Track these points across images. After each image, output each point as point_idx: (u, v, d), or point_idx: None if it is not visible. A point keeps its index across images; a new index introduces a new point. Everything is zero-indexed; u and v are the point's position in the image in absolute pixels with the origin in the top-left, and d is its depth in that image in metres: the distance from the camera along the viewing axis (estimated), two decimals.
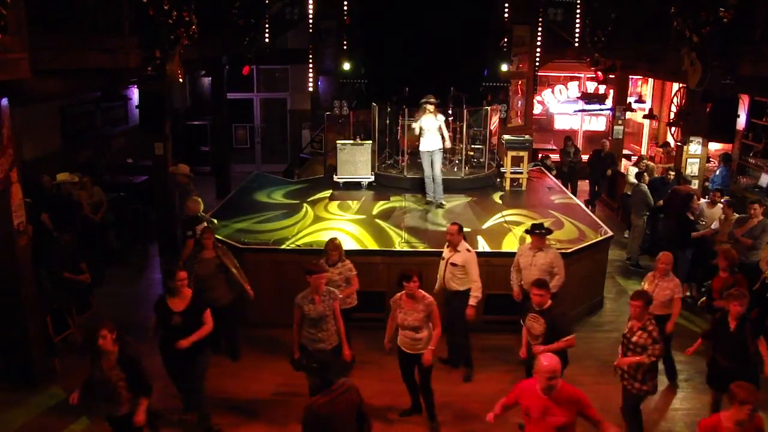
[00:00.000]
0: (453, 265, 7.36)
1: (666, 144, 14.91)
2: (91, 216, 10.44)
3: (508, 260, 8.59)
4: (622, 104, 15.40)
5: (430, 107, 10.46)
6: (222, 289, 7.44)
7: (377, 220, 9.88)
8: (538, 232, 7.55)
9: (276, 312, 8.23)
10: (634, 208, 11.32)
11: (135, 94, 14.03)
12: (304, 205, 10.80)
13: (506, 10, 14.24)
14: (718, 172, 12.26)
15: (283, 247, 8.87)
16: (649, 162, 13.22)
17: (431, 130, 10.48)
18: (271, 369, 7.77)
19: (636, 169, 12.60)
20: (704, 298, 8.96)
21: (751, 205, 9.07)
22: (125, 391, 5.30)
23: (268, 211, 10.49)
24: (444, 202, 10.72)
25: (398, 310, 6.31)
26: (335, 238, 7.61)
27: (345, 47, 13.83)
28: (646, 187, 11.13)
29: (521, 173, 12.23)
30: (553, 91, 17.93)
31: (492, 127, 12.88)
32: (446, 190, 11.48)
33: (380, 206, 10.71)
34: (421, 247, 8.91)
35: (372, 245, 8.94)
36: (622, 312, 9.47)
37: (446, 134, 10.60)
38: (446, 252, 7.51)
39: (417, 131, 10.57)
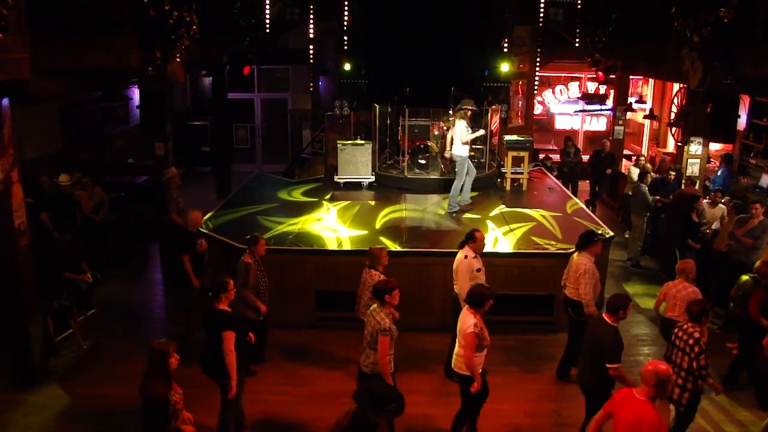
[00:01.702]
0: (479, 270, 7.31)
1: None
2: (92, 216, 10.45)
3: (510, 260, 8.62)
4: (622, 104, 15.39)
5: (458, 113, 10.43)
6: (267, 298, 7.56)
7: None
8: (597, 239, 7.54)
9: (276, 312, 8.22)
10: (635, 209, 11.31)
11: (136, 94, 14.03)
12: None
13: (507, 10, 14.24)
14: (719, 173, 12.24)
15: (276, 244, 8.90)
16: (647, 163, 13.19)
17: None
18: (274, 369, 7.76)
19: (638, 170, 12.59)
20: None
21: (752, 204, 9.08)
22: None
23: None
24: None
25: (484, 332, 5.91)
26: (375, 247, 7.51)
27: (345, 47, 13.83)
28: (646, 187, 11.12)
29: (522, 174, 12.24)
30: (553, 92, 17.94)
31: (492, 128, 12.88)
32: (446, 190, 11.54)
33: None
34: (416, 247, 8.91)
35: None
36: None
37: (454, 141, 10.44)
38: (478, 261, 7.31)
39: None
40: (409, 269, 8.62)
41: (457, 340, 6.04)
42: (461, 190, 10.54)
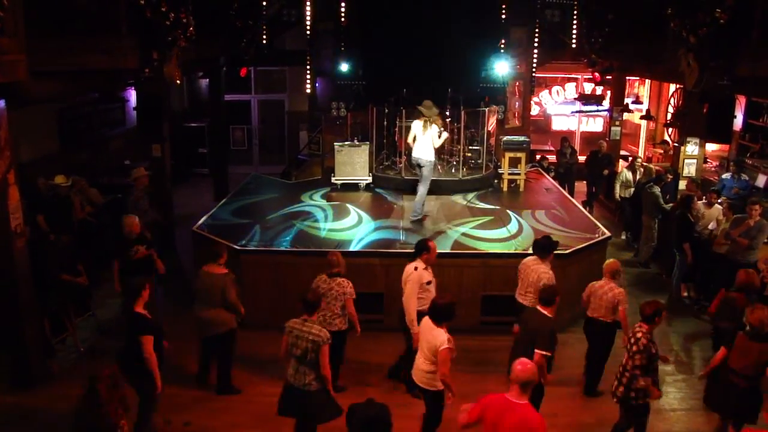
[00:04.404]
0: (429, 283, 7.04)
1: (664, 142, 14.91)
2: (89, 218, 10.42)
3: (508, 261, 8.62)
4: (619, 105, 15.42)
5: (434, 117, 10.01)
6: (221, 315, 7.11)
7: None
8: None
9: (273, 313, 8.22)
10: (646, 210, 11.26)
11: (133, 95, 14.03)
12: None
13: (503, 11, 14.25)
14: (741, 178, 11.77)
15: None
16: (647, 164, 13.21)
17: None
18: (270, 371, 7.75)
19: (630, 172, 12.62)
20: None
21: (751, 206, 9.02)
22: None
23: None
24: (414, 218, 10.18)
25: (453, 344, 5.78)
26: (336, 253, 7.31)
27: (343, 48, 13.83)
28: (659, 189, 11.09)
29: (519, 174, 12.25)
30: (550, 93, 17.96)
31: (490, 129, 12.89)
32: (444, 191, 11.53)
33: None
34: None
35: None
36: None
37: (425, 144, 9.96)
38: (428, 274, 7.04)
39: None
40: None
41: (423, 356, 5.88)
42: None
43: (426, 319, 5.89)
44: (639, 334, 5.88)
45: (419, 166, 9.98)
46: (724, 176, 11.90)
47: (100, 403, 4.45)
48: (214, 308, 7.03)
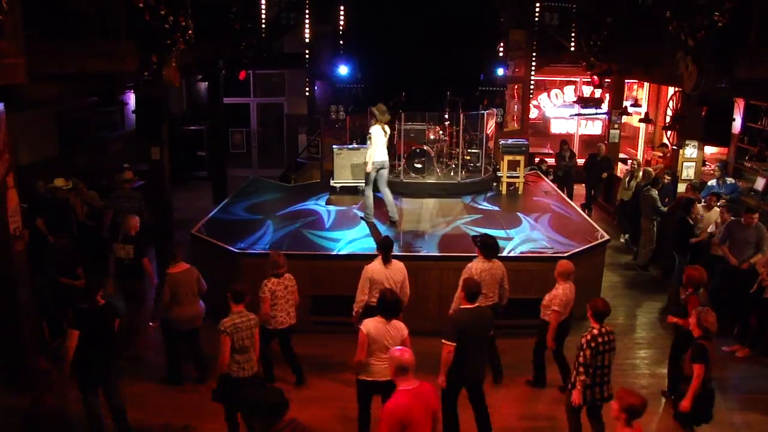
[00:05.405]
0: None
1: (663, 145, 14.92)
2: (88, 222, 10.41)
3: (505, 264, 8.62)
4: (618, 108, 15.43)
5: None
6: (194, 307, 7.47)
7: None
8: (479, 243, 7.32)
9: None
10: (644, 212, 11.27)
11: (132, 98, 14.03)
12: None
13: (502, 14, 14.29)
14: (729, 182, 11.85)
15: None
16: (647, 168, 13.20)
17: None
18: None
19: (628, 175, 12.62)
20: None
21: (751, 215, 8.89)
22: None
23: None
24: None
25: None
26: (279, 253, 7.35)
27: (341, 52, 13.87)
28: (657, 192, 11.09)
29: (518, 177, 12.26)
30: (549, 96, 17.97)
31: (488, 132, 12.89)
32: (443, 194, 11.53)
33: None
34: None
35: None
36: (617, 316, 9.48)
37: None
38: None
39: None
40: None
41: (385, 353, 5.68)
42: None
43: (377, 319, 5.81)
44: (611, 328, 6.04)
45: (382, 169, 9.98)
46: (710, 183, 11.78)
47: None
48: (196, 301, 7.45)
